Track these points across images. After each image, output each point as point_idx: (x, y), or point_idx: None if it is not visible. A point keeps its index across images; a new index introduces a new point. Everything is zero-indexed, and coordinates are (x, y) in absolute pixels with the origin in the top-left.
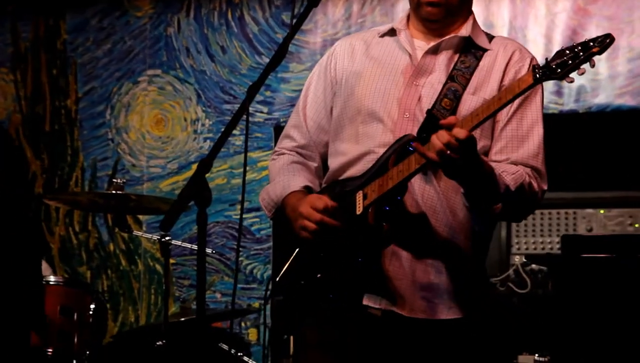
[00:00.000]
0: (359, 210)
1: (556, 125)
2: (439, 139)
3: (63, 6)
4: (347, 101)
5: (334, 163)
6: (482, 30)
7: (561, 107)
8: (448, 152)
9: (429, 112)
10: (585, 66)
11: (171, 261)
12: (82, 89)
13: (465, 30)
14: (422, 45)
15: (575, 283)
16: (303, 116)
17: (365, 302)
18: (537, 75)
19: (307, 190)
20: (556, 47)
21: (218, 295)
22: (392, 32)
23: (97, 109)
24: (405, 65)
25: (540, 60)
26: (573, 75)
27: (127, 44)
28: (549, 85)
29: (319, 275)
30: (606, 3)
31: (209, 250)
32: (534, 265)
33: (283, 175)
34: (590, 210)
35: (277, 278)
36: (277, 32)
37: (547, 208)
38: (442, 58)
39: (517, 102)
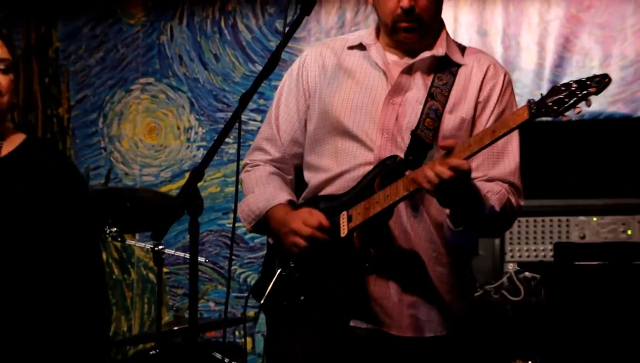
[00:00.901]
0: (344, 232)
1: (549, 132)
2: (435, 171)
3: (55, 14)
4: (323, 116)
5: (313, 178)
6: (454, 43)
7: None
8: (444, 183)
9: (413, 133)
10: (589, 101)
11: (164, 270)
12: (75, 97)
13: (441, 49)
14: (395, 59)
15: (568, 291)
16: (276, 128)
17: (352, 323)
18: (533, 111)
19: (291, 204)
20: (549, 55)
21: (212, 304)
22: (361, 47)
23: (90, 117)
24: (380, 83)
25: (530, 91)
26: (569, 113)
27: (119, 52)
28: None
29: (302, 298)
30: (599, 11)
31: (202, 259)
32: (527, 273)
33: (263, 187)
34: (583, 218)
35: (262, 301)
36: (270, 40)
37: (540, 215)
38: (418, 76)
39: (492, 118)
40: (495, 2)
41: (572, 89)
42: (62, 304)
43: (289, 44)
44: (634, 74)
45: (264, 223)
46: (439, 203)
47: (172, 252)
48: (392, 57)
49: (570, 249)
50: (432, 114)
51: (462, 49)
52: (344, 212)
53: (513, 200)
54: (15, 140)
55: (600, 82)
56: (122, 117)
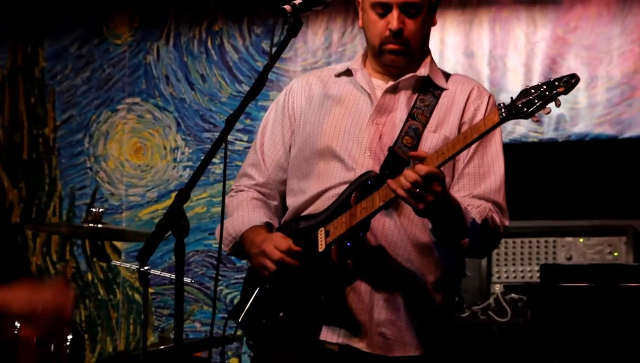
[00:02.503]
0: (321, 247)
1: (536, 153)
2: (407, 177)
3: (41, 33)
4: (307, 140)
5: (293, 201)
6: (439, 69)
7: (541, 136)
8: (417, 190)
9: (390, 149)
10: (558, 101)
11: (150, 290)
12: (61, 117)
13: (424, 70)
14: (380, 84)
15: (554, 313)
16: (261, 154)
17: (322, 337)
18: (503, 114)
19: (268, 226)
20: (536, 76)
21: (197, 325)
22: (348, 72)
23: (76, 137)
24: (365, 105)
25: (504, 99)
26: (538, 114)
27: (106, 71)
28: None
29: (281, 314)
30: (585, 33)
31: (188, 280)
32: (513, 294)
33: (242, 210)
34: (569, 239)
35: (239, 319)
36: (257, 60)
37: (527, 236)
38: (402, 97)
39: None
40: (481, 24)
41: (542, 90)
42: None
43: (276, 65)
44: (620, 95)
45: (240, 245)
46: (415, 213)
47: (157, 272)
48: (377, 82)
49: (556, 271)
50: (412, 132)
51: (447, 75)
52: (322, 228)
53: (497, 218)
54: None
55: (568, 82)
56: (108, 137)
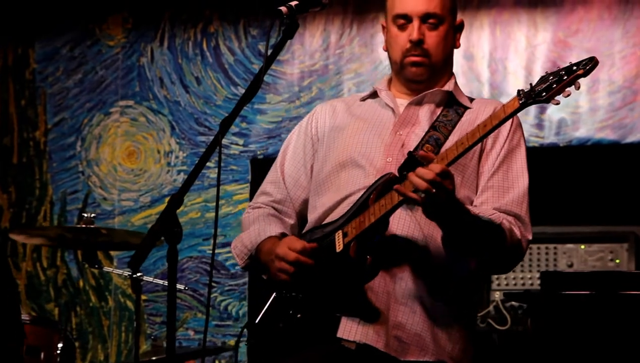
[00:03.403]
0: (339, 247)
1: (536, 158)
2: (414, 174)
3: (32, 34)
4: (330, 156)
5: (313, 216)
6: (463, 93)
7: (542, 141)
8: (425, 187)
9: (410, 153)
10: (577, 84)
11: (143, 297)
12: (52, 120)
13: (448, 86)
14: (404, 103)
15: (554, 321)
16: (281, 172)
17: (340, 333)
18: (523, 99)
19: (283, 236)
20: (537, 79)
21: (191, 333)
22: (374, 95)
23: (67, 141)
24: (388, 119)
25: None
26: (559, 98)
27: (98, 73)
28: (530, 119)
29: (298, 316)
30: (586, 36)
31: (181, 286)
32: (513, 302)
33: (258, 224)
34: (570, 245)
35: (256, 321)
36: (253, 63)
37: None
38: (425, 110)
39: (502, 154)
40: (482, 26)
41: (560, 74)
42: None
43: (273, 67)
44: (622, 99)
45: (255, 258)
46: (425, 214)
47: (150, 279)
48: (402, 101)
49: (557, 278)
50: (432, 141)
51: (471, 99)
52: (339, 231)
53: (516, 231)
54: None
55: (587, 64)
56: (101, 140)
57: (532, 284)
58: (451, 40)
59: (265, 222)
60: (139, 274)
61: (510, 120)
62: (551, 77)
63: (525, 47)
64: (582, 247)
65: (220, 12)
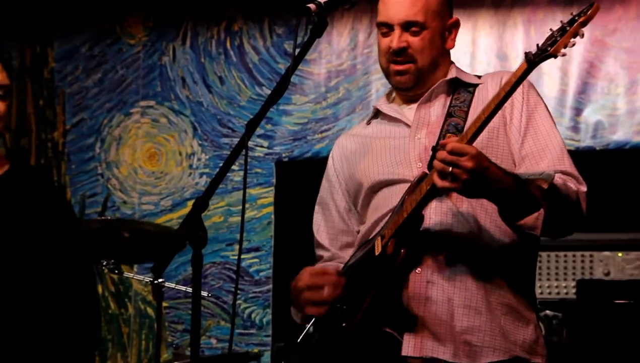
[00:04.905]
0: (377, 250)
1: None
2: (436, 159)
3: (51, 32)
4: (359, 187)
5: (359, 237)
6: (469, 73)
7: (577, 144)
8: (450, 169)
9: (433, 148)
10: (581, 32)
11: (164, 304)
12: (71, 121)
13: (450, 74)
14: (413, 106)
15: (591, 331)
16: (320, 237)
17: (404, 352)
18: (530, 58)
19: None
20: (572, 80)
21: (214, 341)
22: (377, 114)
23: (87, 142)
24: (401, 130)
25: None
26: (565, 50)
27: (119, 73)
28: (565, 121)
29: (343, 324)
30: (625, 35)
31: (204, 293)
32: (548, 311)
33: None
34: (607, 253)
35: (298, 340)
36: (278, 62)
37: (562, 250)
38: (436, 105)
39: (524, 120)
40: (515, 25)
41: (563, 26)
42: (52, 341)
43: (298, 67)
44: None
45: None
46: (464, 196)
47: (172, 285)
48: (410, 106)
49: (593, 286)
50: (452, 128)
51: (478, 77)
52: (378, 236)
53: (571, 184)
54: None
55: (586, 11)
56: (121, 142)
57: (567, 293)
58: (439, 43)
59: None
60: (160, 280)
61: (521, 87)
62: (555, 33)
63: None
64: (620, 254)
65: (245, 10)
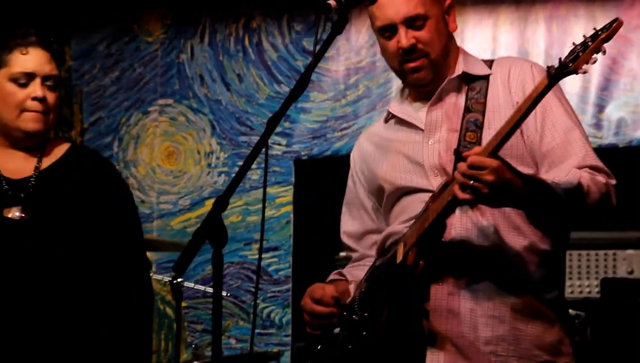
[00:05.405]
0: (399, 258)
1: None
2: (457, 171)
3: (68, 31)
4: (379, 191)
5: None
6: (478, 59)
7: (600, 141)
8: (471, 182)
9: (455, 151)
10: (603, 49)
11: (183, 304)
12: (88, 120)
13: (458, 69)
14: (424, 107)
15: (615, 330)
16: (348, 241)
17: None
18: (551, 74)
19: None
20: (595, 77)
21: (233, 341)
22: (391, 115)
23: (104, 141)
24: (414, 134)
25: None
26: (586, 66)
27: (136, 71)
28: (587, 118)
29: (364, 333)
30: None
31: (224, 293)
32: (571, 310)
33: None
34: (631, 251)
35: (318, 348)
36: (297, 60)
37: (585, 249)
38: (447, 104)
39: (538, 114)
40: (537, 21)
41: (586, 41)
42: (105, 331)
43: (318, 64)
44: None
45: None
46: (488, 206)
47: (191, 285)
48: (422, 106)
49: (617, 285)
50: (472, 125)
51: (490, 63)
52: (401, 242)
53: (600, 178)
54: (57, 152)
55: (610, 27)
56: (139, 140)
57: (589, 292)
58: (444, 29)
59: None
60: (179, 280)
61: (530, 73)
62: (578, 47)
63: None
64: None
65: (263, 7)
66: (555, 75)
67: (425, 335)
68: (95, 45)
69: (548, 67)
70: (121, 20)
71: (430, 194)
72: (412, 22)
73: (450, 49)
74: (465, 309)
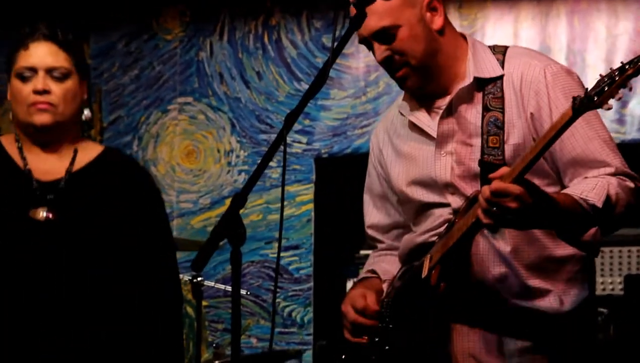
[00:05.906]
0: (424, 273)
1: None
2: (480, 196)
3: (87, 29)
4: (399, 194)
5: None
6: (488, 54)
7: (623, 137)
8: (494, 209)
9: (481, 162)
10: (629, 85)
11: (203, 303)
12: (107, 118)
13: (469, 76)
14: (424, 114)
15: (638, 327)
16: (374, 233)
17: None
18: (576, 106)
19: (372, 272)
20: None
21: (254, 340)
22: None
23: (124, 140)
24: (427, 147)
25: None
26: (611, 101)
27: (155, 69)
28: (610, 114)
29: (387, 347)
30: None
31: (243, 292)
32: None
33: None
34: None
35: (343, 357)
36: (317, 57)
37: (609, 245)
38: (459, 114)
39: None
40: (559, 16)
41: (613, 75)
42: (134, 334)
43: (336, 61)
44: None
45: None
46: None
47: (212, 284)
48: (429, 105)
49: None
50: (492, 127)
51: (502, 55)
52: (428, 254)
53: (628, 183)
54: (90, 153)
55: (637, 63)
56: (159, 139)
57: (613, 289)
58: (423, 32)
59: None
60: (200, 279)
61: (544, 79)
62: (605, 80)
63: (606, 38)
64: None
65: (282, 4)
66: (579, 108)
67: (448, 352)
68: (114, 43)
69: (574, 97)
70: (140, 18)
71: (445, 208)
72: (383, 35)
73: (438, 48)
74: (484, 323)
